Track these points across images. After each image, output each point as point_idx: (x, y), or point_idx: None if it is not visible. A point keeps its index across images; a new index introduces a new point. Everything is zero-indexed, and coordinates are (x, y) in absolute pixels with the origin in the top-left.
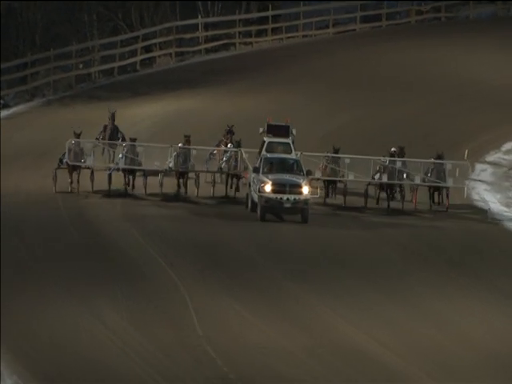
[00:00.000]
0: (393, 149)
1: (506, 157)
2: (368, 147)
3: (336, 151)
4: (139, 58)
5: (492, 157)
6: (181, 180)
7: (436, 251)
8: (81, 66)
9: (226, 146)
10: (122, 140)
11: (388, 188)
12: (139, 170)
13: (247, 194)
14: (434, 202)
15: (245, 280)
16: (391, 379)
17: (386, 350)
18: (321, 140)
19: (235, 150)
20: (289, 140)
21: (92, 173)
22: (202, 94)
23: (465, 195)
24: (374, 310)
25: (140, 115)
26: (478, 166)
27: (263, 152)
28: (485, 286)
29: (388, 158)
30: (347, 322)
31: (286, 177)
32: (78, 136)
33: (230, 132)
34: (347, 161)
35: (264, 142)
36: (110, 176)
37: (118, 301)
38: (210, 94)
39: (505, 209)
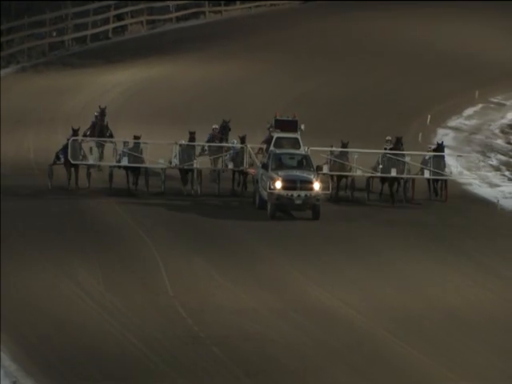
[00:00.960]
0: (388, 137)
1: (467, 122)
2: (331, 114)
3: (344, 145)
4: (111, 26)
5: (454, 122)
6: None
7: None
8: (54, 33)
9: (221, 141)
10: (110, 137)
11: (392, 180)
12: (143, 167)
13: (254, 191)
14: (436, 193)
15: (220, 246)
16: (360, 340)
17: (354, 312)
18: (286, 107)
19: (241, 145)
20: (297, 135)
21: (88, 169)
22: (173, 61)
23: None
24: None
25: (112, 82)
26: (440, 131)
27: (271, 148)
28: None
29: (394, 152)
30: (318, 286)
31: (297, 173)
32: (75, 132)
33: (226, 127)
34: (355, 156)
35: (272, 137)
36: (111, 174)
37: (95, 267)
38: (180, 61)
39: (466, 172)
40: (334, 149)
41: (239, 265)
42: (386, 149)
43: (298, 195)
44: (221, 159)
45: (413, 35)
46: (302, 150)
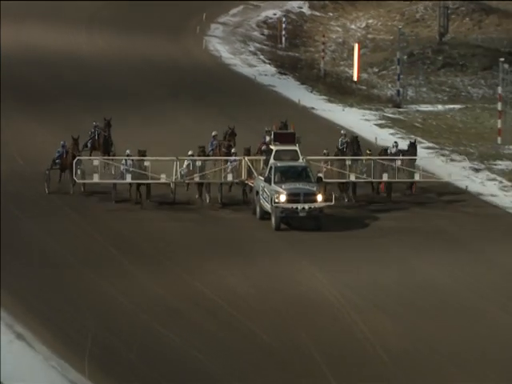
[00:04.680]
0: (342, 131)
1: (232, 19)
2: None
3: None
4: None
5: (222, 19)
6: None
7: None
8: None
9: (228, 147)
10: (109, 144)
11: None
12: (146, 183)
13: (254, 202)
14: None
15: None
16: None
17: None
18: None
19: (239, 158)
20: (296, 147)
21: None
22: None
23: (203, 47)
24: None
25: None
26: (213, 26)
27: (272, 160)
28: None
29: (390, 158)
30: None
31: (300, 185)
32: (75, 141)
33: (233, 133)
34: (348, 162)
35: (271, 150)
36: (114, 185)
37: None
38: None
39: (232, 56)
40: (330, 157)
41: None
42: (341, 142)
43: (303, 208)
44: (221, 170)
45: None
46: (301, 161)
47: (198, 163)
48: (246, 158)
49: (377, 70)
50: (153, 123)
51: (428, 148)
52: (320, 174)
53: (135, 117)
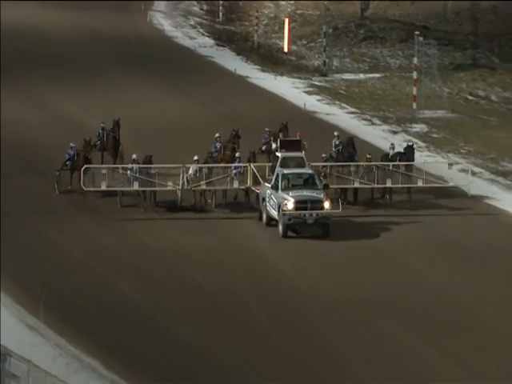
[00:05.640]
0: (335, 132)
1: None
2: None
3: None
4: None
5: None
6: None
7: None
8: None
9: (233, 150)
10: (118, 145)
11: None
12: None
13: (261, 208)
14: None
15: None
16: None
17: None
18: None
19: (245, 165)
20: (302, 154)
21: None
22: None
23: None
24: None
25: None
26: (156, 2)
27: (278, 168)
28: None
29: (389, 163)
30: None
31: (307, 193)
32: (87, 142)
33: (237, 136)
34: (353, 169)
35: (278, 157)
36: (121, 192)
37: None
38: None
39: (174, 29)
40: (334, 163)
41: None
42: (335, 144)
43: (310, 215)
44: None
45: None
46: (307, 168)
47: (205, 170)
48: (252, 164)
49: (305, 43)
50: (99, 90)
51: (351, 113)
52: (325, 181)
53: (83, 84)
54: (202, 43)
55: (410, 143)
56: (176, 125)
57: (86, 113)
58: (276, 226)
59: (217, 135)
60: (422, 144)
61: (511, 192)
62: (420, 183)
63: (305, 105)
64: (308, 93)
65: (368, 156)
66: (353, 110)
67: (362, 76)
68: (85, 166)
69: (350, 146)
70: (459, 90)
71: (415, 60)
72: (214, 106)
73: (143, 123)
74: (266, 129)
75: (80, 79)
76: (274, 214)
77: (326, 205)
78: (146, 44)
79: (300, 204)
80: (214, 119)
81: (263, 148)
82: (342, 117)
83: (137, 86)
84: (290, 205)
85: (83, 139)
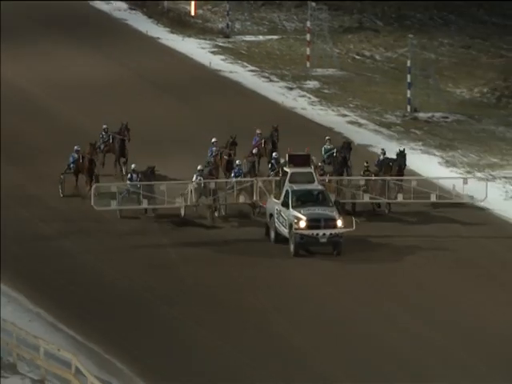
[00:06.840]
0: (327, 137)
1: None
2: None
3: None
4: None
5: None
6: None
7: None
8: None
9: (229, 156)
10: (124, 147)
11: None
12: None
13: (267, 224)
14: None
15: None
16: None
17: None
18: None
19: (251, 179)
20: (311, 169)
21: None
22: None
23: None
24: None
25: None
26: None
27: (287, 183)
28: None
29: (395, 178)
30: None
31: (319, 211)
32: (93, 146)
33: (234, 143)
34: (362, 182)
35: (286, 172)
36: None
37: None
38: None
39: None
40: (338, 177)
41: None
42: (325, 150)
43: (323, 234)
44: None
45: None
46: (317, 184)
47: (212, 185)
48: (259, 179)
49: (210, 7)
50: (23, 52)
51: (252, 71)
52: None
53: (10, 46)
54: (117, 7)
55: (402, 148)
56: (97, 82)
57: (9, 71)
58: (285, 242)
59: (213, 140)
60: (315, 99)
61: (393, 141)
62: (433, 198)
63: (210, 63)
64: (213, 53)
65: (365, 164)
66: (253, 68)
67: (261, 38)
68: (95, 185)
69: (346, 150)
70: (347, 51)
71: (308, 23)
72: (129, 64)
73: (66, 80)
74: (258, 131)
75: (7, 41)
76: (284, 231)
77: (339, 223)
78: (67, 10)
79: (313, 222)
80: (129, 77)
81: (254, 151)
82: (243, 75)
83: (59, 47)
84: (303, 223)
85: (89, 143)
